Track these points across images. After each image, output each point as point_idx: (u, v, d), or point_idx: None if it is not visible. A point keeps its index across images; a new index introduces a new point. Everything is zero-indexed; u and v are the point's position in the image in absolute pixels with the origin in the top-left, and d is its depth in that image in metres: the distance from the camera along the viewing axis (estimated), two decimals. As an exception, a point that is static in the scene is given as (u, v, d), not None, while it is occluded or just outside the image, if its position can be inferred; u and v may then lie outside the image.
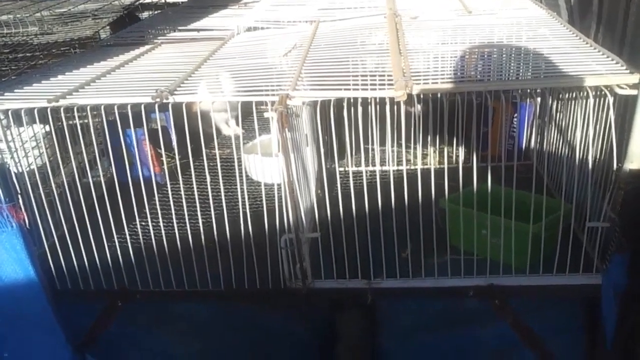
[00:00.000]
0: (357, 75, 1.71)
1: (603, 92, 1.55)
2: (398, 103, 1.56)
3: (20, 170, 1.82)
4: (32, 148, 1.99)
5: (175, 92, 1.66)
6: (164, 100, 1.62)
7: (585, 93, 1.57)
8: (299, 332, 1.93)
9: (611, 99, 1.52)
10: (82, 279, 1.81)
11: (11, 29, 3.31)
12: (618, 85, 1.51)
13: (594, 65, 1.65)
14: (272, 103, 1.57)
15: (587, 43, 1.87)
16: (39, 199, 1.80)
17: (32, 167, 1.88)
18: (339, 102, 1.64)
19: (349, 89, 1.62)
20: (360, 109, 1.60)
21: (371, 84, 1.65)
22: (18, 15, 3.43)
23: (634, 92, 1.50)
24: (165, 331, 1.87)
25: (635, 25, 1.74)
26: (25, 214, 1.72)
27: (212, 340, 1.86)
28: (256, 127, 1.85)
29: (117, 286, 1.81)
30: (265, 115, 1.56)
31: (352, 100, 1.60)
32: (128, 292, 1.81)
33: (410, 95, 1.53)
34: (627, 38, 1.82)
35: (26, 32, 3.30)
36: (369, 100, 1.62)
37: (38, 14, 3.52)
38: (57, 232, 1.81)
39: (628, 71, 1.55)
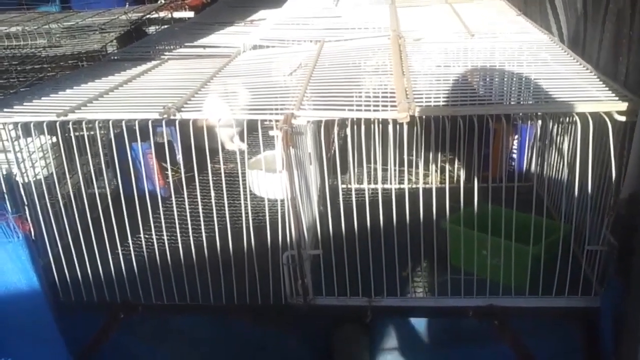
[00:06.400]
0: (360, 96, 1.74)
1: (602, 118, 1.57)
2: (401, 124, 1.59)
3: (27, 181, 1.85)
4: (39, 159, 2.01)
5: (182, 109, 1.69)
6: (171, 117, 1.65)
7: (584, 118, 1.60)
8: (297, 347, 1.93)
9: (610, 125, 1.54)
10: (85, 290, 1.83)
11: (20, 41, 3.35)
12: (617, 112, 1.54)
13: (593, 91, 1.68)
14: (277, 121, 1.60)
15: (586, 69, 1.91)
16: (45, 209, 1.82)
17: (38, 177, 1.90)
18: (342, 121, 1.66)
19: (353, 109, 1.65)
20: (363, 127, 1.63)
21: (374, 105, 1.68)
22: (27, 28, 3.47)
23: (632, 118, 1.53)
24: (166, 344, 1.88)
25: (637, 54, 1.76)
26: (30, 225, 1.74)
27: (212, 354, 1.87)
28: (261, 143, 1.87)
29: (120, 298, 1.82)
30: (270, 133, 1.59)
31: (355, 120, 1.63)
32: (130, 304, 1.82)
33: (412, 117, 1.56)
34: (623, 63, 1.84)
35: (35, 44, 3.34)
36: (372, 120, 1.64)
37: (46, 27, 3.56)
38: (62, 243, 1.83)
39: (627, 98, 1.58)
